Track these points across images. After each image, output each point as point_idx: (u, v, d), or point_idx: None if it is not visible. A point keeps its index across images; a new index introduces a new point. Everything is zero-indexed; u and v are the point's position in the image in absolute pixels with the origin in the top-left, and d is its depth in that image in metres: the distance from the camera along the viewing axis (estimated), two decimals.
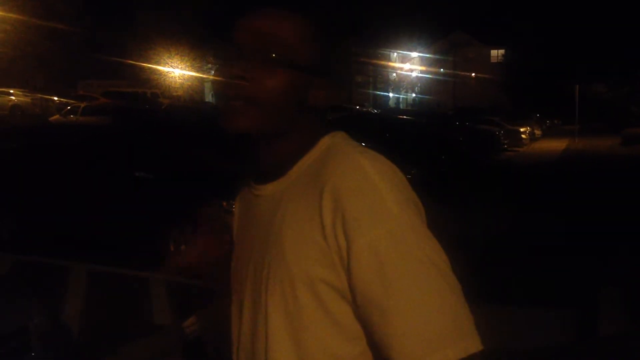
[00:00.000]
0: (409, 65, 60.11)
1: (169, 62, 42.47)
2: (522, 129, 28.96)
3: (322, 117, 1.18)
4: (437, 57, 59.19)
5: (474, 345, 0.95)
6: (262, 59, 1.06)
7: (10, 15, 27.89)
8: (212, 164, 7.45)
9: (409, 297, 0.95)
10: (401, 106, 61.05)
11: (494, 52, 65.55)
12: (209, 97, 53.22)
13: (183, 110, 23.24)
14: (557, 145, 29.30)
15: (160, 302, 5.82)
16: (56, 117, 24.89)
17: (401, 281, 0.96)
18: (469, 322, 0.97)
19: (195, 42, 42.27)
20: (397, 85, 62.14)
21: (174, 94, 41.26)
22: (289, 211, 1.08)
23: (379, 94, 61.03)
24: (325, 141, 1.13)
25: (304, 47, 1.09)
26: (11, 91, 31.84)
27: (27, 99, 32.38)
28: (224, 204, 6.69)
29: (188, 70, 43.87)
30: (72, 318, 5.30)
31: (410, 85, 63.87)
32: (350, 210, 0.98)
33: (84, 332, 5.17)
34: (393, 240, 0.97)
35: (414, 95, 65.76)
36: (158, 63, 41.82)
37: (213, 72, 1.13)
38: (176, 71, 43.34)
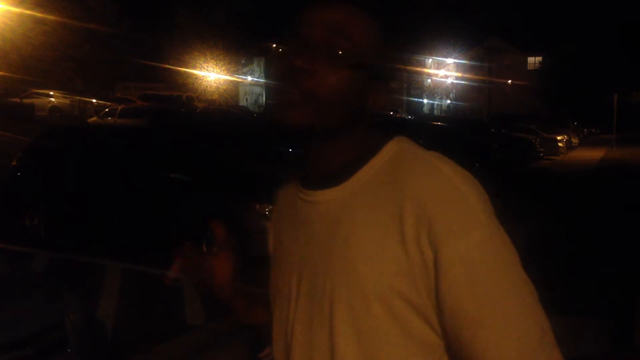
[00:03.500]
0: (444, 72, 59.73)
1: (205, 66, 42.88)
2: (558, 137, 28.56)
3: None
4: (472, 63, 58.70)
5: (559, 356, 0.95)
6: (328, 53, 1.00)
7: (50, 17, 28.41)
8: (245, 167, 7.49)
9: (502, 309, 0.91)
10: (435, 112, 60.73)
11: (530, 59, 64.82)
12: (243, 101, 53.62)
13: (218, 114, 23.42)
14: (594, 154, 28.83)
15: (193, 302, 5.88)
16: (94, 118, 25.31)
17: (494, 293, 0.92)
18: (552, 333, 0.95)
19: (232, 46, 42.61)
20: (432, 92, 61.78)
21: (209, 97, 41.63)
22: (358, 221, 1.00)
23: (413, 100, 60.74)
24: (392, 146, 1.05)
25: (371, 47, 1.03)
26: (51, 93, 32.46)
27: (66, 101, 32.97)
28: (257, 206, 6.73)
29: (223, 74, 44.22)
30: (106, 315, 5.39)
31: (445, 91, 63.43)
32: (438, 220, 0.92)
33: (118, 330, 5.25)
34: (484, 250, 0.92)
35: (448, 101, 65.32)
36: (194, 67, 42.27)
37: (273, 62, 1.06)
38: (212, 75, 43.73)
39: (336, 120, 1.03)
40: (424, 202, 0.94)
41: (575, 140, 34.19)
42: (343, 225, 1.01)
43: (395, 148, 1.05)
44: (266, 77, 51.02)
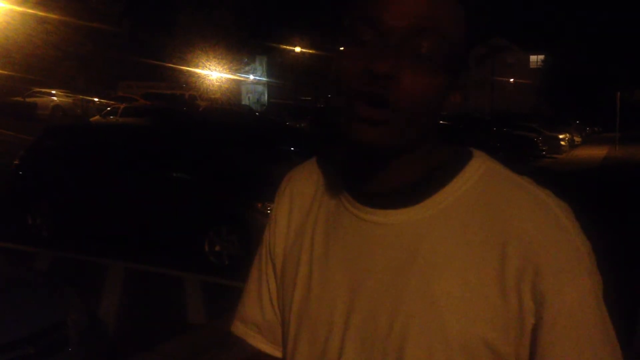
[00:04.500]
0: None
1: (207, 66, 42.90)
2: (561, 136, 28.55)
3: None
4: (475, 61, 58.63)
5: None
6: (413, 54, 0.80)
7: (53, 16, 28.41)
8: (247, 165, 7.50)
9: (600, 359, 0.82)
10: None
11: (533, 58, 64.73)
12: (245, 100, 53.64)
13: (220, 112, 23.43)
14: (597, 152, 28.78)
15: (195, 301, 5.88)
16: (96, 117, 25.32)
17: (596, 346, 0.82)
18: None
19: (234, 44, 42.61)
20: None
21: (212, 96, 41.63)
22: (442, 252, 0.84)
23: None
24: (477, 165, 0.88)
25: (460, 42, 0.84)
26: (53, 92, 32.46)
27: (69, 100, 32.98)
28: (259, 205, 6.74)
29: (226, 72, 44.23)
30: (108, 314, 5.39)
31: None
32: (546, 266, 0.80)
33: (119, 328, 5.26)
34: (591, 300, 0.82)
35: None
36: (196, 66, 42.29)
37: (340, 62, 0.84)
38: (214, 74, 43.75)
39: (420, 131, 0.85)
40: (530, 243, 0.81)
41: (577, 139, 34.15)
42: (421, 255, 0.84)
43: (483, 167, 0.88)
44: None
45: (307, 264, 0.95)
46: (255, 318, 1.06)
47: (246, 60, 47.83)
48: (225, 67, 43.87)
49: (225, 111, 24.90)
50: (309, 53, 44.45)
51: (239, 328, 1.09)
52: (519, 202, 0.83)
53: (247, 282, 1.10)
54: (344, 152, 0.95)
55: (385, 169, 0.88)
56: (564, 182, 16.76)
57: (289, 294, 0.97)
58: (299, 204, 1.01)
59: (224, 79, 44.94)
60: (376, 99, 0.80)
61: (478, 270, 0.81)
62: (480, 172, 0.88)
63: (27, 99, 30.72)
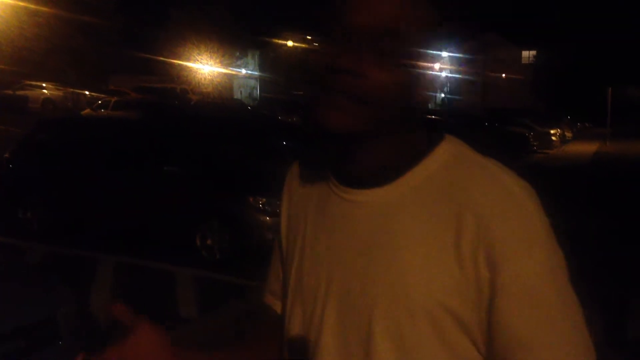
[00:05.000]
0: (439, 65, 59.65)
1: (199, 59, 42.78)
2: (552, 131, 28.65)
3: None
4: (467, 57, 58.74)
5: None
6: (376, 50, 0.86)
7: (44, 9, 28.28)
8: (239, 160, 7.48)
9: (557, 333, 0.87)
10: (430, 106, 60.74)
11: (525, 54, 64.88)
12: (237, 94, 53.55)
13: (212, 107, 23.38)
14: (588, 148, 28.91)
15: (187, 295, 5.88)
16: (87, 111, 25.22)
17: (552, 317, 0.87)
18: (594, 353, 0.91)
19: (226, 39, 42.52)
20: None
21: (204, 90, 41.54)
22: (408, 226, 0.91)
23: None
24: (446, 147, 0.96)
25: (425, 36, 0.91)
26: (44, 85, 32.27)
27: (60, 93, 32.80)
28: (251, 199, 6.73)
29: (218, 66, 44.12)
30: (99, 308, 5.38)
31: (439, 85, 63.41)
32: (500, 239, 0.85)
33: (110, 323, 5.25)
34: (545, 272, 0.87)
35: (442, 95, 65.41)
36: (188, 60, 42.18)
37: (309, 56, 0.93)
38: (206, 68, 43.63)
39: (385, 121, 0.91)
40: (485, 216, 0.87)
41: (569, 134, 34.28)
42: (390, 229, 0.93)
43: (450, 150, 0.96)
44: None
45: (302, 241, 1.05)
46: (276, 290, 1.18)
47: (238, 54, 47.74)
48: (217, 61, 43.77)
49: (217, 105, 24.87)
50: (302, 47, 44.39)
51: (268, 298, 1.21)
52: (478, 179, 0.90)
53: (270, 260, 1.22)
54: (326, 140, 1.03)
55: (359, 152, 0.95)
56: (554, 178, 16.86)
57: (288, 269, 1.08)
58: (300, 191, 1.11)
59: (216, 73, 44.85)
60: (336, 90, 0.87)
61: (438, 242, 0.88)
62: (448, 154, 0.95)
63: (18, 92, 30.54)
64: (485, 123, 23.77)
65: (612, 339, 4.84)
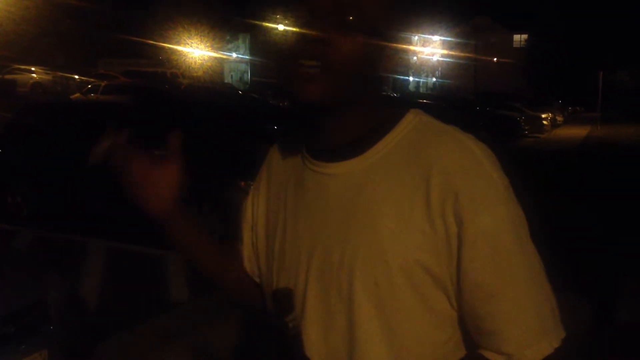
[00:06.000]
0: (430, 49, 59.64)
1: (189, 43, 42.51)
2: (543, 115, 28.70)
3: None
4: (459, 41, 58.66)
5: (563, 332, 0.99)
6: (339, 22, 0.96)
7: None
8: (230, 144, 7.46)
9: (522, 284, 0.95)
10: (421, 90, 60.70)
11: (516, 37, 64.87)
12: (228, 78, 53.31)
13: (202, 91, 23.26)
14: (578, 132, 29.01)
15: (178, 279, 5.88)
16: (77, 95, 25.04)
17: (515, 268, 0.94)
18: (558, 309, 0.99)
19: (216, 22, 42.25)
20: (418, 69, 61.71)
21: (194, 74, 41.31)
22: (380, 193, 0.98)
23: (399, 78, 60.69)
24: (411, 118, 1.04)
25: (383, 11, 1.00)
26: (32, 69, 32.02)
27: (48, 77, 32.53)
28: (242, 184, 6.71)
29: (208, 50, 43.85)
30: (89, 293, 5.37)
31: (431, 69, 63.44)
32: (464, 194, 0.93)
33: (101, 307, 5.24)
34: (507, 225, 0.94)
35: (434, 79, 65.37)
36: (178, 43, 41.90)
37: (281, 33, 1.02)
38: (196, 52, 43.37)
39: (353, 91, 1.00)
40: (450, 175, 0.94)
41: (559, 118, 34.37)
42: (364, 198, 0.99)
43: (415, 120, 1.04)
44: (260, 51, 50.68)
45: (283, 218, 1.12)
46: (249, 256, 1.26)
47: (229, 38, 47.48)
48: (208, 44, 43.51)
49: (208, 89, 24.73)
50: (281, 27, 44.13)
51: (247, 265, 1.27)
52: (441, 143, 0.98)
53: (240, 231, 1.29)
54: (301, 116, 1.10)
55: (330, 124, 1.03)
56: (545, 161, 16.90)
57: (271, 244, 1.14)
58: (279, 172, 1.17)
59: (206, 57, 44.58)
60: (309, 57, 0.96)
61: (409, 203, 0.96)
62: (413, 124, 1.03)
63: (6, 76, 30.29)
64: (477, 107, 23.77)
65: (600, 321, 4.88)
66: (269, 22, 44.24)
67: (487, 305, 0.94)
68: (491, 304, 0.94)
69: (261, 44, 46.31)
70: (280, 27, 1.02)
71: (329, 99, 0.98)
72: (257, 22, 46.08)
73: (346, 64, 0.96)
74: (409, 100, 22.91)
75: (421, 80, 64.31)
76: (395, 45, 1.04)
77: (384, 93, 1.12)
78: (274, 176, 1.19)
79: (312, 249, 1.04)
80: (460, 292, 0.96)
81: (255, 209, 1.22)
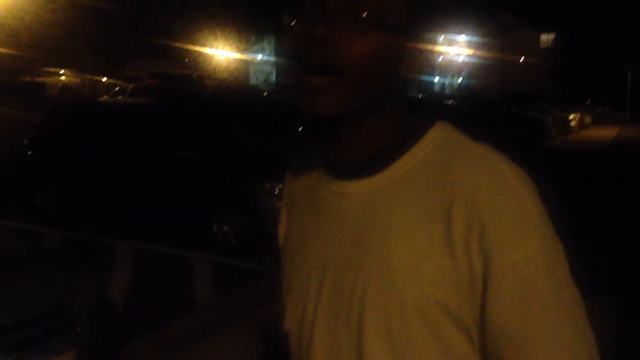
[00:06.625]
0: (456, 49, 59.20)
1: (215, 45, 42.74)
2: (571, 116, 28.30)
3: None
4: (484, 40, 58.14)
5: None
6: (351, 18, 0.85)
7: None
8: (256, 146, 7.48)
9: (554, 329, 0.83)
10: (447, 91, 60.31)
11: (544, 37, 64.09)
12: (253, 80, 53.46)
13: (228, 93, 23.38)
14: (607, 133, 28.58)
15: (204, 281, 5.91)
16: (105, 97, 25.31)
17: (547, 311, 0.82)
18: (597, 351, 0.87)
19: (242, 24, 42.43)
20: (443, 70, 61.30)
21: (219, 76, 41.50)
22: (398, 219, 0.88)
23: (424, 79, 60.28)
24: (437, 133, 0.93)
25: (403, 6, 0.88)
26: (61, 71, 32.36)
27: (77, 80, 32.86)
28: (267, 185, 6.73)
29: (234, 52, 44.06)
30: (117, 294, 5.42)
31: (457, 69, 62.99)
32: (492, 226, 0.81)
33: (128, 308, 5.29)
34: (539, 262, 0.82)
35: (460, 79, 64.89)
36: (204, 45, 42.13)
37: (288, 34, 0.90)
38: (222, 54, 43.59)
39: (370, 98, 0.89)
40: (476, 204, 0.82)
41: (588, 119, 33.86)
42: (380, 222, 0.89)
43: (441, 135, 0.92)
44: (278, 55, 50.82)
45: (295, 240, 1.04)
46: None
47: (254, 39, 47.64)
48: (234, 46, 43.71)
49: (233, 91, 24.85)
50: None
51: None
52: (468, 166, 0.86)
53: None
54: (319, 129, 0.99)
55: (346, 139, 0.93)
56: (572, 163, 16.69)
57: (283, 268, 1.07)
58: (297, 191, 1.08)
59: (231, 59, 44.78)
60: (320, 65, 0.85)
61: (428, 233, 0.85)
62: (437, 139, 0.91)
63: (35, 79, 30.70)
64: (503, 108, 23.54)
65: (626, 329, 4.80)
66: (283, 22, 44.34)
67: (514, 351, 0.83)
68: (518, 351, 0.83)
69: (277, 47, 46.51)
70: (289, 27, 0.90)
71: (342, 111, 0.88)
72: (278, 23, 46.27)
73: (359, 66, 0.85)
74: (434, 100, 22.75)
75: (447, 80, 63.89)
76: (418, 44, 0.93)
77: (408, 95, 1.03)
78: (295, 197, 1.09)
79: (323, 273, 0.95)
80: (484, 336, 0.85)
81: (280, 240, 1.14)
